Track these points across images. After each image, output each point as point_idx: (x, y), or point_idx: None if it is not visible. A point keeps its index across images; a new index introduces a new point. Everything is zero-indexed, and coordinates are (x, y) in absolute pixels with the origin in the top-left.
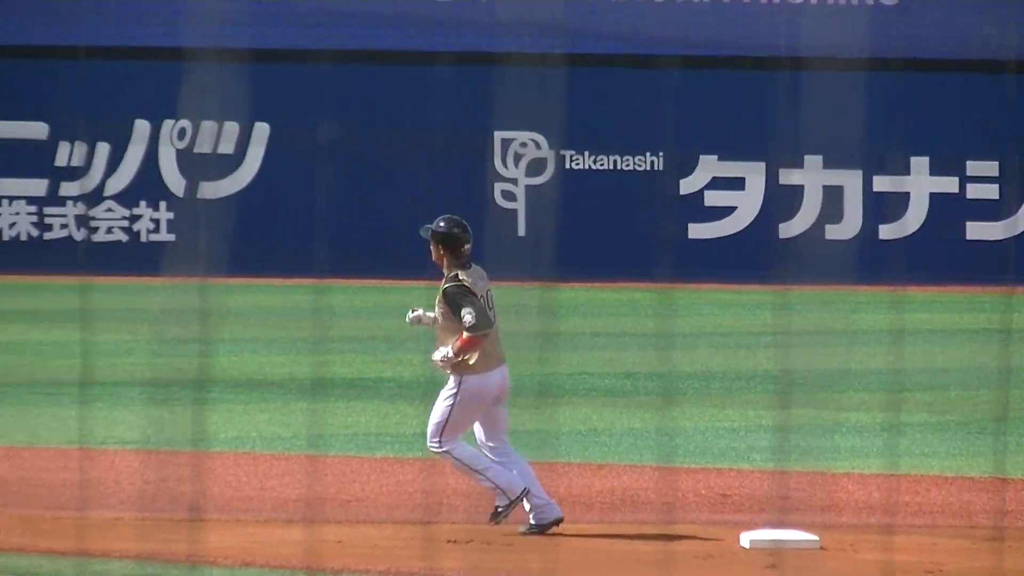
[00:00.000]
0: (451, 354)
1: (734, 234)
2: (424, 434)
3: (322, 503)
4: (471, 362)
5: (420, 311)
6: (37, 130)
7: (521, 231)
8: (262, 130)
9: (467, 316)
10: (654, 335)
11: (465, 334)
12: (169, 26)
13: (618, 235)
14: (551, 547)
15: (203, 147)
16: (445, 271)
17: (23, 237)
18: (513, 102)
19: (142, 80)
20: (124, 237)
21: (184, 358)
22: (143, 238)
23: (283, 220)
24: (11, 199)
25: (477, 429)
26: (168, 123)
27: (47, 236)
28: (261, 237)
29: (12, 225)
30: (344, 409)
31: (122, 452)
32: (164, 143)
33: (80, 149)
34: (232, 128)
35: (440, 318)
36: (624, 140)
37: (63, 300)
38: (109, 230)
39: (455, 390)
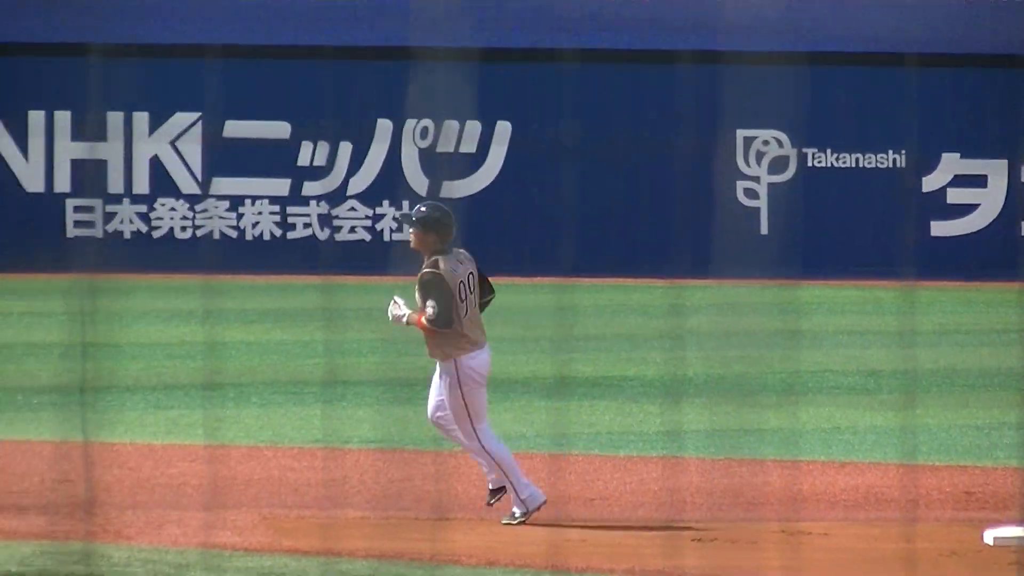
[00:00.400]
0: (406, 321)
1: (976, 232)
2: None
3: (565, 502)
4: (460, 344)
5: (400, 307)
6: (280, 130)
7: (764, 229)
8: (504, 129)
9: (429, 308)
10: (897, 333)
11: (424, 321)
12: (406, 25)
13: (860, 233)
14: (795, 546)
15: (446, 146)
16: (426, 257)
17: (266, 236)
18: (754, 100)
19: (383, 79)
20: (367, 236)
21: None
22: (385, 237)
23: (523, 219)
24: (254, 199)
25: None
26: (410, 122)
27: (290, 236)
28: (502, 236)
29: (255, 224)
30: (587, 408)
31: (365, 451)
32: (406, 142)
33: (323, 149)
34: (474, 127)
35: (418, 302)
36: (866, 138)
37: (306, 299)
38: (352, 229)
39: (455, 375)
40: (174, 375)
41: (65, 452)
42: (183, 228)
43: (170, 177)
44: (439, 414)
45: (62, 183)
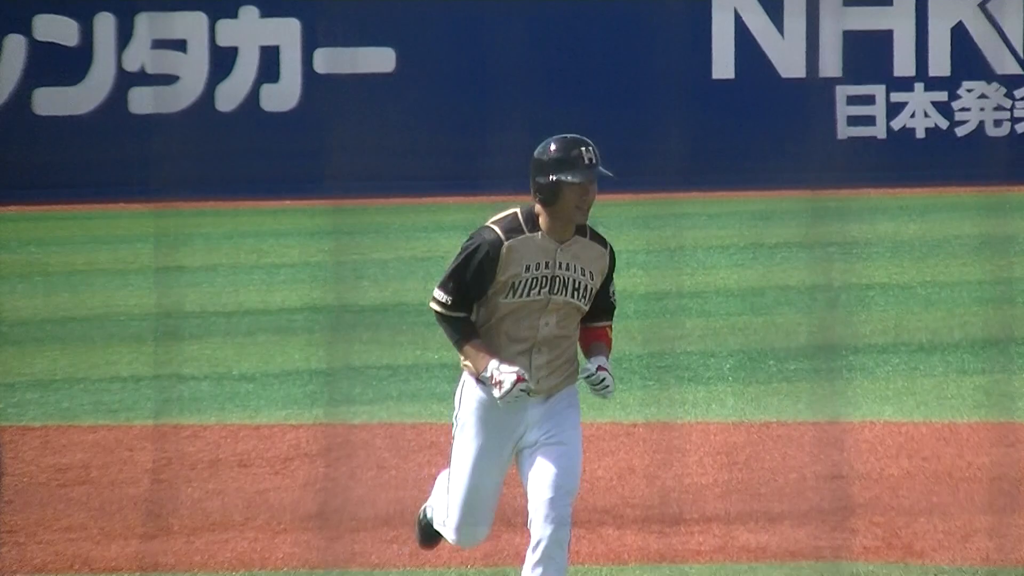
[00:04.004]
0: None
1: None
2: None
3: None
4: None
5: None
6: None
7: None
8: None
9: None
10: None
11: (610, 324)
12: None
13: None
14: None
15: None
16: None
17: None
18: None
19: None
20: None
21: None
22: None
23: None
24: None
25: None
26: None
27: None
28: None
29: None
30: None
31: None
32: None
33: None
34: None
35: (591, 295)
36: None
37: None
38: None
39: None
40: (985, 327)
41: (832, 437)
42: (996, 123)
43: None
44: None
45: (830, 66)
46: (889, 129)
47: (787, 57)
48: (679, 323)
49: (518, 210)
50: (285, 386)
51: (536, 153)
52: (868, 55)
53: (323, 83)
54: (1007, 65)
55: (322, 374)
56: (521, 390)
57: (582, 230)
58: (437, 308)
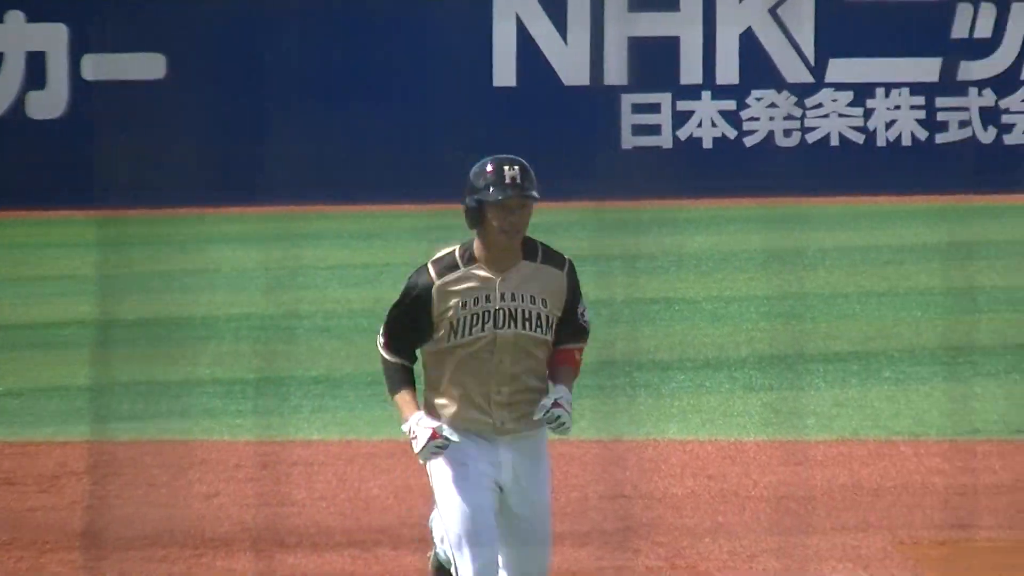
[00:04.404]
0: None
1: None
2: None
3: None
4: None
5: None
6: None
7: None
8: None
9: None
10: None
11: (580, 347)
12: None
13: None
14: None
15: None
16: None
17: (905, 141)
18: None
19: None
20: None
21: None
22: None
23: None
24: (889, 87)
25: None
26: None
27: (940, 139)
28: None
29: (891, 124)
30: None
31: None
32: None
33: (987, 14)
34: None
35: (549, 323)
36: None
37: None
38: None
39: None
40: (771, 343)
41: (615, 456)
42: (786, 132)
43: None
44: None
45: (615, 73)
46: (675, 139)
47: (571, 64)
48: None
49: (458, 246)
50: (52, 402)
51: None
52: (654, 62)
53: (92, 90)
54: (798, 73)
55: (89, 390)
56: (437, 446)
57: (531, 253)
58: (380, 349)
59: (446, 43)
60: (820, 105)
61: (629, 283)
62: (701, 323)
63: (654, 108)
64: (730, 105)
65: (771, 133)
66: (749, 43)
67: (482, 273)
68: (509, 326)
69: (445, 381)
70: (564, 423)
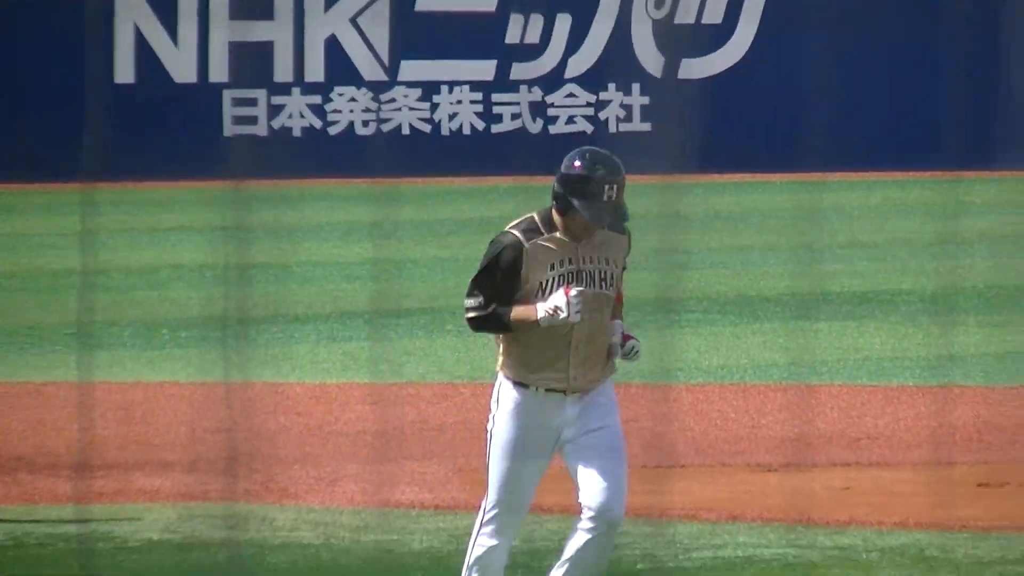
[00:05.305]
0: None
1: None
2: None
3: (825, 443)
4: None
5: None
6: (484, 1)
7: None
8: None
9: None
10: None
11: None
12: None
13: None
14: None
15: (685, 17)
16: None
17: (466, 131)
18: None
19: None
20: (588, 127)
21: (657, 272)
22: (612, 127)
23: (770, 107)
24: (452, 85)
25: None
26: None
27: (496, 129)
28: (744, 126)
29: (453, 116)
30: (851, 329)
31: None
32: (638, 14)
33: (536, 23)
34: None
35: (614, 281)
36: None
37: (508, 206)
38: (570, 120)
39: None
40: (352, 301)
41: (219, 396)
42: (364, 123)
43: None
44: None
45: (218, 72)
46: (270, 128)
47: (181, 64)
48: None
49: (535, 214)
50: None
51: (565, 160)
52: (252, 63)
53: None
54: (375, 72)
55: None
56: (574, 297)
57: None
58: (472, 315)
59: (72, 43)
60: (393, 100)
61: (240, 253)
62: (293, 285)
63: (252, 102)
64: (316, 100)
65: (352, 123)
66: (333, 47)
67: (564, 238)
68: (590, 286)
69: (524, 339)
70: (637, 350)
